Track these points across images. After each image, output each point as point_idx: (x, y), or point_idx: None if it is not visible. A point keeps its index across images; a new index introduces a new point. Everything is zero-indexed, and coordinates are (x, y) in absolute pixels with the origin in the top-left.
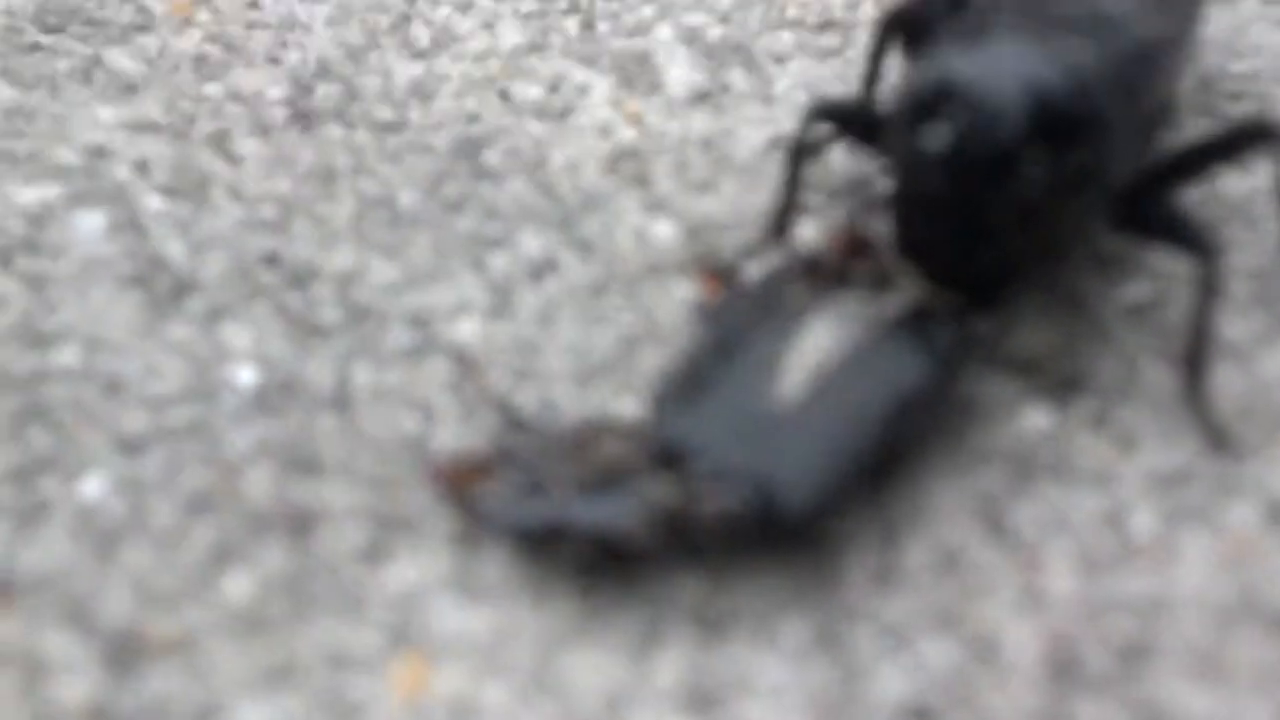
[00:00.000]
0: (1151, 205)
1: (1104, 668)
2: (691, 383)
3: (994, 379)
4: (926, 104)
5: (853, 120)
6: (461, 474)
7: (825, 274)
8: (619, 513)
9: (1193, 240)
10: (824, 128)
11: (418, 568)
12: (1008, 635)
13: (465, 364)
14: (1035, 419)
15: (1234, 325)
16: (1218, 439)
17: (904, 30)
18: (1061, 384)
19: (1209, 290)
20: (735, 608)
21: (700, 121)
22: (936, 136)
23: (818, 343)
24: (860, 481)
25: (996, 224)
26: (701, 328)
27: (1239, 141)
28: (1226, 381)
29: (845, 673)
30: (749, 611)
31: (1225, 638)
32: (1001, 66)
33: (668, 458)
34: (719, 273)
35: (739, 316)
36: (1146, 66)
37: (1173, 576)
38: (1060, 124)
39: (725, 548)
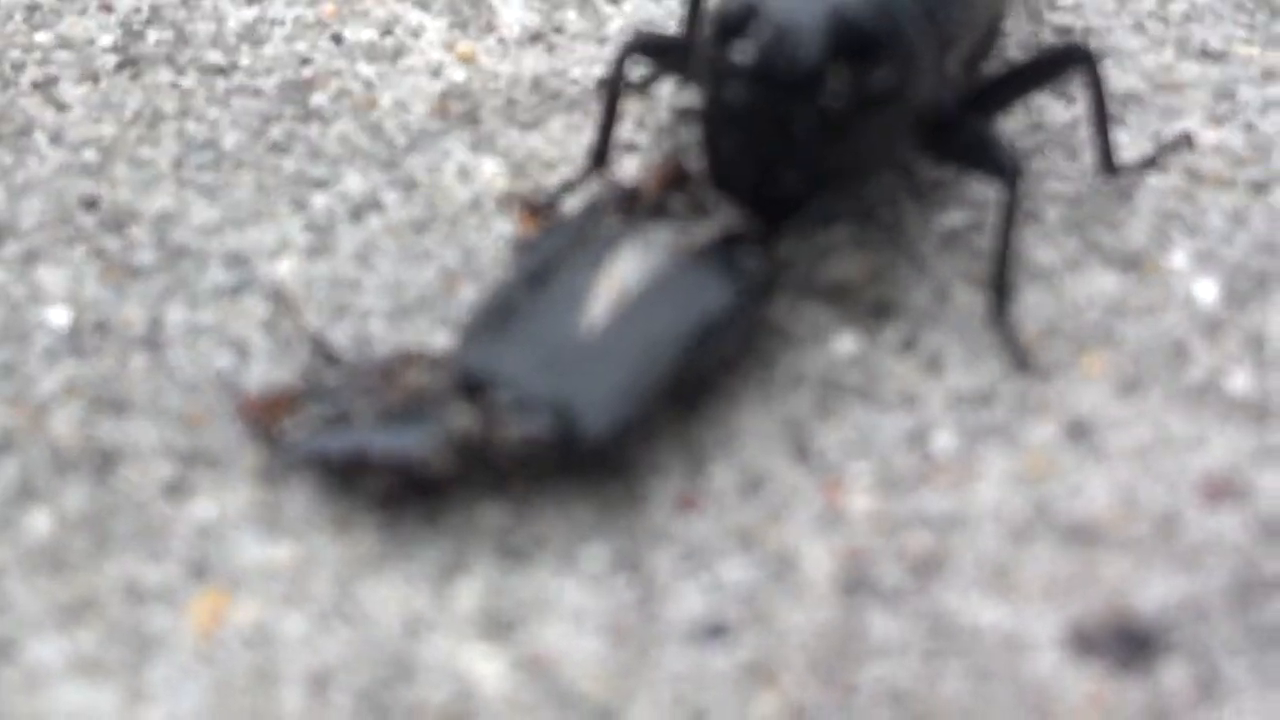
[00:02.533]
0: (960, 130)
1: (897, 582)
2: (500, 314)
3: (805, 305)
4: (732, 23)
5: (669, 53)
6: (268, 407)
7: (641, 206)
8: (419, 440)
9: (994, 163)
10: (645, 63)
11: (220, 502)
12: (805, 554)
13: (281, 300)
14: (844, 344)
15: (1045, 249)
16: (1019, 359)
17: None
18: (872, 310)
19: (1009, 212)
20: (538, 534)
21: (532, 61)
22: (741, 52)
23: (625, 272)
24: (661, 406)
25: (800, 141)
26: (516, 261)
27: (1051, 67)
28: (1035, 304)
29: (644, 594)
30: (552, 538)
31: (1018, 552)
32: None
33: (472, 387)
34: (537, 208)
35: (553, 249)
36: None
37: (970, 493)
38: (862, 42)
39: (528, 474)
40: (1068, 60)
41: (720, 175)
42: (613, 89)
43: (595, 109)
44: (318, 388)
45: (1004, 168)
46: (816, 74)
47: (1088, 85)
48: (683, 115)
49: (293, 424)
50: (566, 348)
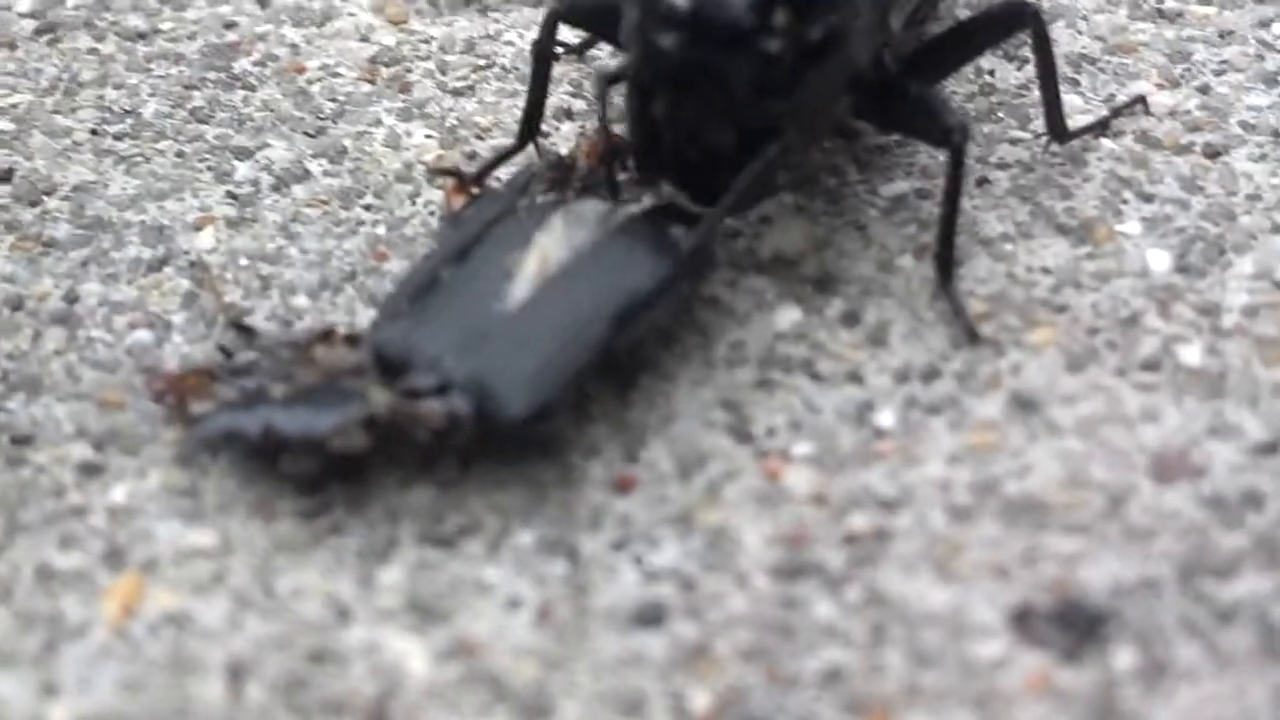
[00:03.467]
0: (903, 94)
1: (839, 564)
2: (420, 290)
3: (746, 278)
4: None
5: (600, 17)
6: (184, 384)
7: (573, 178)
8: (332, 421)
9: (939, 128)
10: (577, 28)
11: (136, 486)
12: (745, 535)
13: (199, 274)
14: (786, 318)
15: (994, 217)
16: (966, 332)
17: None
18: (814, 282)
19: (954, 179)
20: (468, 518)
21: (465, 25)
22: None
23: (550, 247)
24: (586, 384)
25: (737, 95)
26: (440, 235)
27: (997, 27)
28: (984, 274)
29: (577, 579)
30: (482, 521)
31: (963, 531)
32: None
33: (389, 365)
34: (466, 179)
35: (479, 224)
36: None
37: (915, 471)
38: None
39: (448, 455)
40: (1014, 20)
41: (650, 146)
42: (542, 57)
43: (528, 74)
44: (233, 365)
45: (949, 133)
46: (755, 21)
47: (1036, 46)
48: (611, 81)
49: (206, 402)
50: (487, 325)
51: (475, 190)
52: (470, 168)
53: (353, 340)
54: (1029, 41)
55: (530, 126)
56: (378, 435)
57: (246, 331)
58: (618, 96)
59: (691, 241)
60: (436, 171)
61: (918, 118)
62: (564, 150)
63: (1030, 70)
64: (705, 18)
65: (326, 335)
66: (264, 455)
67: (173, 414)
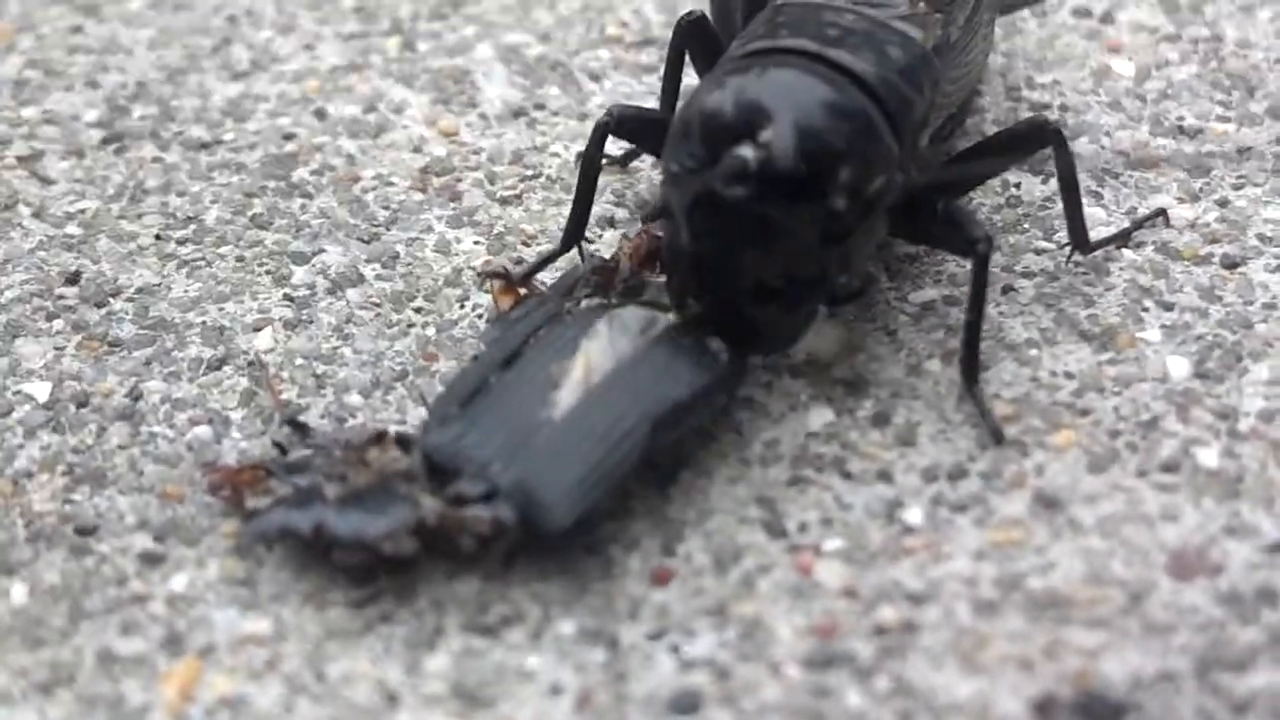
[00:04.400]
0: (930, 209)
1: (868, 655)
2: (467, 395)
3: (779, 380)
4: (717, 132)
5: (647, 131)
6: (241, 479)
7: (617, 282)
8: (381, 524)
9: (965, 240)
10: (623, 141)
11: (195, 575)
12: (778, 626)
13: (257, 373)
14: (818, 418)
15: (1019, 324)
16: (992, 433)
17: (695, 43)
18: (845, 384)
19: (979, 287)
20: (511, 608)
21: (513, 136)
22: (731, 169)
23: (594, 354)
24: (625, 489)
25: (791, 251)
26: (489, 338)
27: (1020, 144)
28: (1009, 378)
29: (615, 666)
30: (524, 611)
31: (988, 625)
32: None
33: (438, 470)
34: (513, 283)
35: (525, 328)
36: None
37: (942, 566)
38: (856, 156)
39: (492, 558)
40: (1037, 138)
41: (688, 279)
42: (589, 167)
43: (574, 184)
44: (288, 462)
45: (975, 244)
46: (821, 177)
47: (1058, 163)
48: (653, 218)
49: (261, 499)
50: (533, 433)
51: (522, 291)
52: (515, 272)
53: (404, 443)
54: (1051, 158)
55: (576, 231)
56: (426, 539)
57: (301, 429)
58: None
59: (730, 355)
60: (485, 275)
61: (944, 230)
62: (606, 255)
63: (1054, 183)
64: (773, 174)
65: (380, 437)
66: (316, 549)
67: (229, 507)
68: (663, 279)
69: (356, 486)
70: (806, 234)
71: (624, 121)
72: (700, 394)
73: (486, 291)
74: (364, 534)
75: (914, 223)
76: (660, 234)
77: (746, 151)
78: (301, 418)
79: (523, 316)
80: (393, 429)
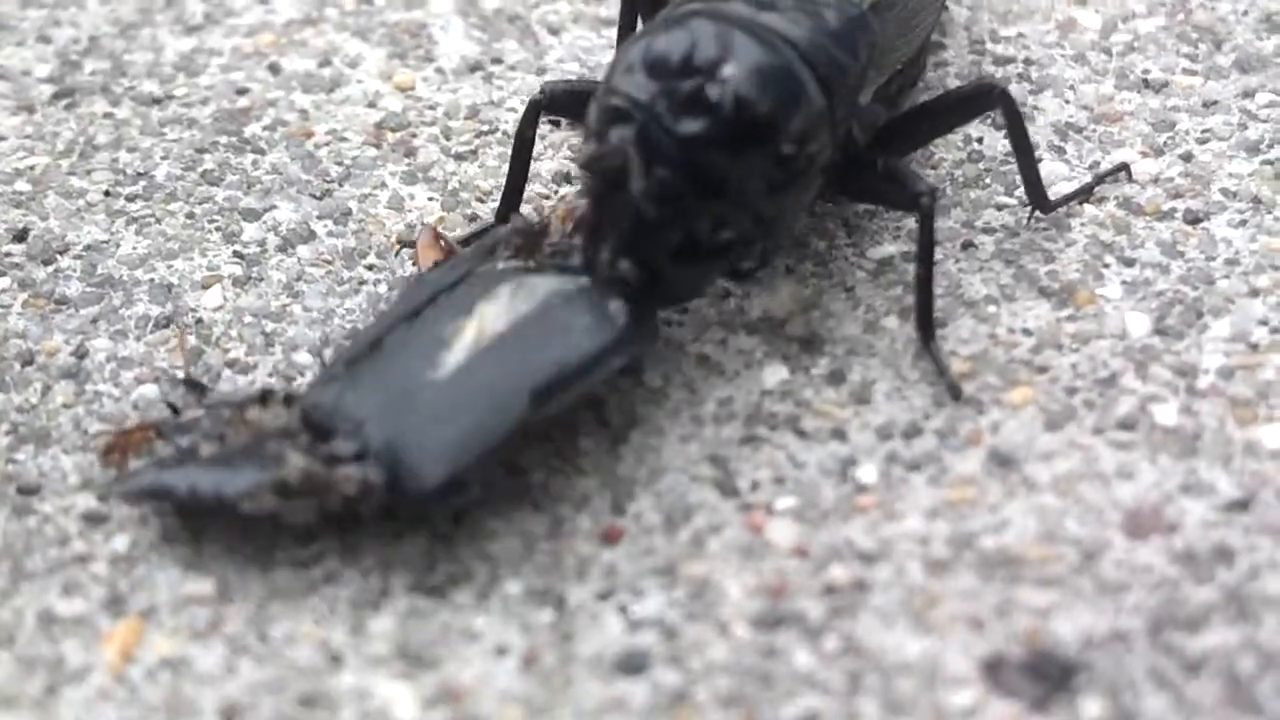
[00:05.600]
0: (870, 166)
1: (818, 615)
2: (360, 352)
3: (736, 338)
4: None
5: (582, 105)
6: (130, 440)
7: (543, 243)
8: (241, 481)
9: (907, 196)
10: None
11: (138, 534)
12: (727, 586)
13: (175, 331)
14: (774, 376)
15: (978, 280)
16: (950, 389)
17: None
18: (802, 342)
19: (926, 244)
20: (458, 568)
21: (470, 91)
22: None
23: (491, 317)
24: (502, 455)
25: (724, 205)
26: (398, 297)
27: (965, 106)
28: (967, 335)
29: (562, 627)
30: (472, 571)
31: (940, 584)
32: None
33: (315, 428)
34: (443, 244)
35: (433, 287)
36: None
37: (895, 525)
38: (770, 112)
39: (359, 518)
40: (984, 100)
41: (610, 227)
42: (521, 145)
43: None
44: (177, 424)
45: (919, 198)
46: (744, 142)
47: (1008, 124)
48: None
49: (142, 460)
50: (412, 392)
51: (448, 255)
52: (440, 235)
53: (290, 402)
54: (1003, 120)
55: (508, 206)
56: (292, 500)
57: (197, 389)
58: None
59: (632, 321)
60: (402, 244)
61: (887, 187)
62: (535, 218)
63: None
64: (705, 116)
65: (265, 396)
66: (189, 513)
67: (114, 466)
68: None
69: (234, 446)
70: (733, 184)
71: (557, 98)
72: (590, 360)
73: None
74: (223, 492)
75: (857, 181)
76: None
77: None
78: (196, 379)
79: (434, 276)
80: (281, 387)
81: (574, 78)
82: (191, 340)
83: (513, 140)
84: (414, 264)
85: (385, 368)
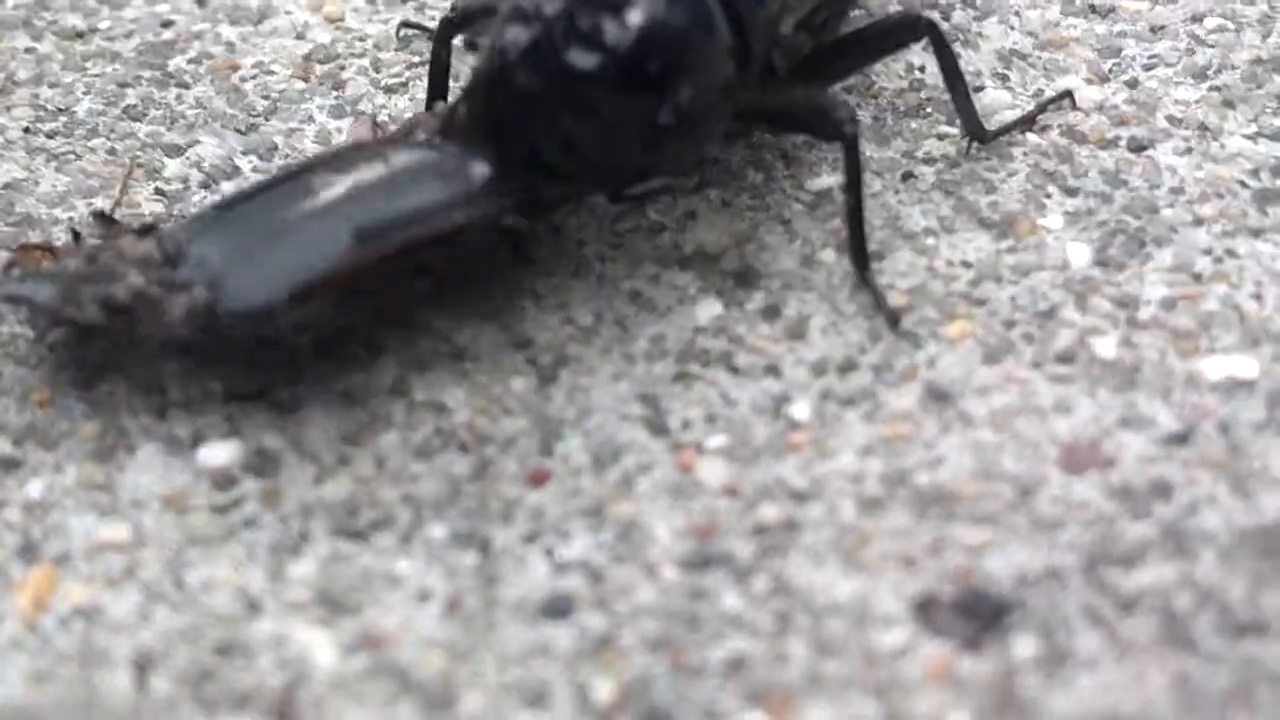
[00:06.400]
0: (790, 95)
1: (747, 555)
2: (236, 200)
3: (669, 273)
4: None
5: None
6: (23, 254)
7: (454, 129)
8: (65, 294)
9: (829, 125)
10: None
11: (52, 480)
12: (655, 527)
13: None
14: (706, 311)
15: (917, 212)
16: (887, 319)
17: None
18: (737, 276)
19: (852, 174)
20: (381, 512)
21: (401, 21)
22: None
23: (364, 175)
24: (314, 294)
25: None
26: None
27: (892, 37)
28: (905, 268)
29: (487, 571)
30: (395, 515)
31: (872, 522)
32: None
33: (170, 259)
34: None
35: (329, 154)
36: None
37: (828, 463)
38: (665, 49)
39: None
40: (909, 32)
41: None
42: (437, 64)
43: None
44: (66, 246)
45: (840, 125)
46: (639, 71)
47: (938, 57)
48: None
49: (20, 270)
50: (262, 230)
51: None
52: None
53: (158, 237)
54: (931, 51)
55: None
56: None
57: (104, 220)
58: None
59: (480, 194)
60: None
61: (807, 116)
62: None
63: (961, 63)
64: (597, 45)
65: (145, 230)
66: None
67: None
68: None
69: (92, 267)
70: (605, 122)
71: (469, 15)
72: (423, 209)
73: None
74: (53, 301)
75: (775, 112)
76: None
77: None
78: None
79: (331, 150)
80: (162, 225)
81: None
82: (134, 179)
83: (430, 61)
84: None
85: (247, 211)
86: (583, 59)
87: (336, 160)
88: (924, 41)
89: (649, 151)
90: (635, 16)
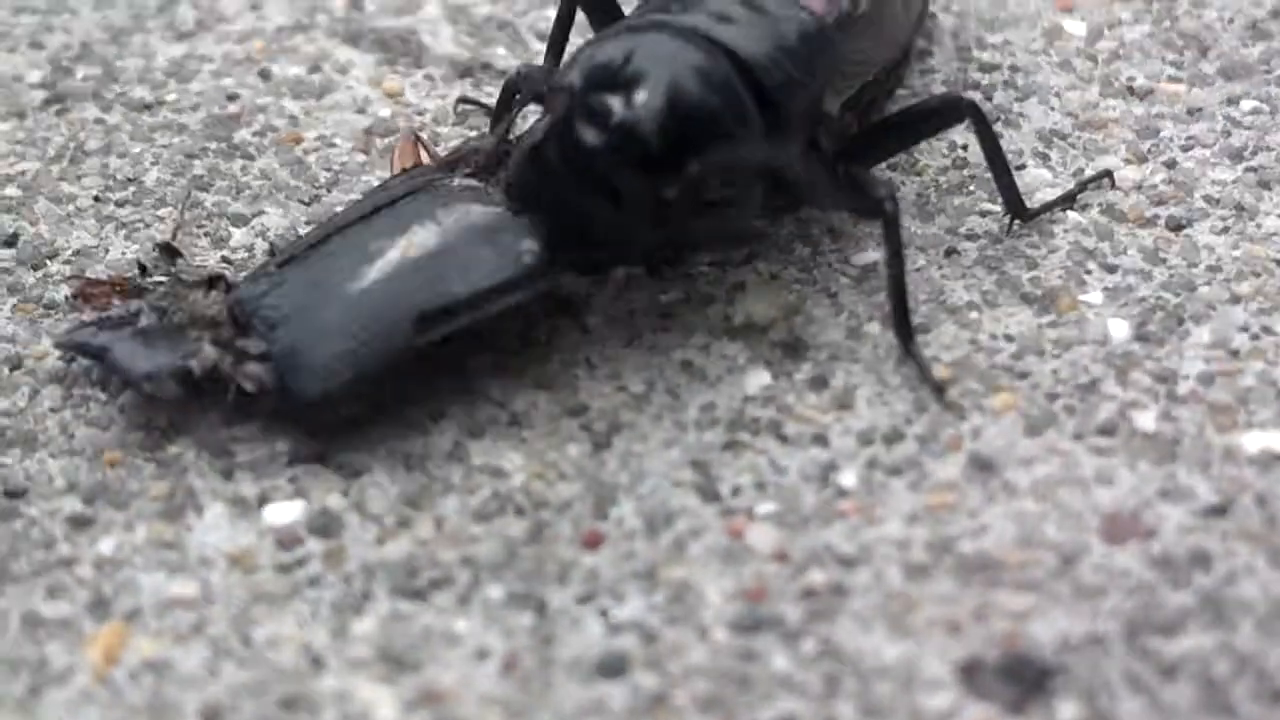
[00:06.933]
0: (833, 175)
1: (796, 618)
2: (297, 253)
3: (719, 344)
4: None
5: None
6: (92, 291)
7: (499, 168)
8: (151, 362)
9: (870, 204)
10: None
11: (123, 538)
12: (707, 589)
13: (176, 214)
14: (755, 381)
15: (960, 286)
16: (931, 390)
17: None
18: (785, 347)
19: (894, 250)
20: (441, 573)
21: (459, 96)
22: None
23: (419, 237)
24: (388, 373)
25: (634, 220)
26: (352, 203)
27: (933, 119)
28: (949, 341)
29: (543, 631)
30: (453, 575)
31: (919, 588)
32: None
33: (239, 322)
34: (421, 151)
35: (386, 196)
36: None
37: (874, 530)
38: (701, 136)
39: (249, 415)
40: (952, 114)
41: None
42: (494, 125)
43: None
44: (138, 284)
45: (880, 203)
46: (663, 158)
47: (980, 137)
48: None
49: (91, 314)
50: (326, 301)
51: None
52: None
53: (230, 291)
54: (971, 131)
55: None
56: (199, 385)
57: (169, 252)
58: None
59: (534, 262)
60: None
61: (849, 195)
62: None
63: (1002, 142)
64: (623, 132)
65: (213, 281)
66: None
67: (78, 309)
68: None
69: (166, 323)
70: (633, 207)
71: (529, 79)
72: (486, 292)
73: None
74: (133, 369)
75: (818, 190)
76: None
77: (592, 112)
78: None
79: (392, 184)
80: (231, 275)
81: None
82: (186, 215)
83: (491, 122)
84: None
85: (313, 272)
86: (600, 138)
87: (392, 214)
88: (966, 122)
89: (678, 229)
90: (655, 100)
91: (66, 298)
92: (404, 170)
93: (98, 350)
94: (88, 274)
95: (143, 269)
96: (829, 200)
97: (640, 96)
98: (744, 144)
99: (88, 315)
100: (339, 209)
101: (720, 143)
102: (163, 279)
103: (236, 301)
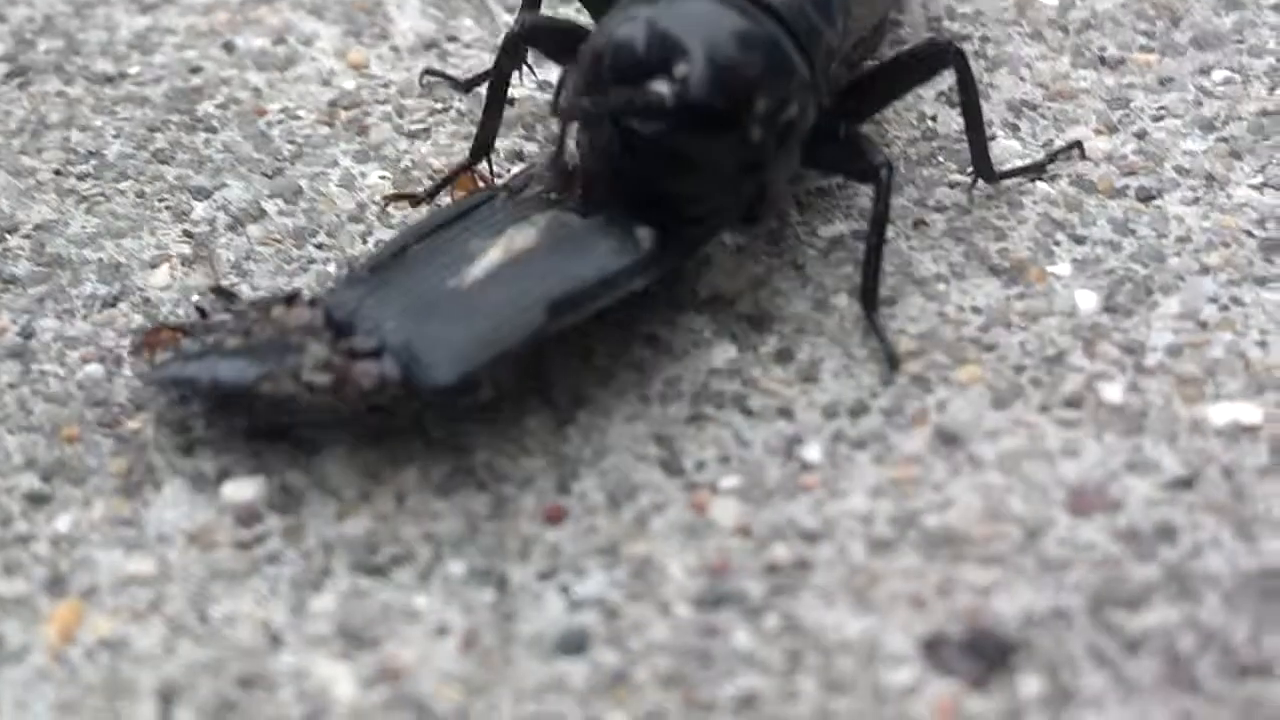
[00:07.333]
0: (832, 134)
1: (759, 594)
2: (385, 259)
3: (685, 317)
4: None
5: (561, 42)
6: (157, 338)
7: (574, 184)
8: (262, 367)
9: (865, 166)
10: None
11: (80, 515)
12: (669, 565)
13: (203, 250)
14: (722, 355)
15: (928, 258)
16: (887, 359)
17: None
18: (751, 320)
19: (880, 215)
20: (401, 549)
21: (425, 69)
22: (650, 92)
23: (519, 239)
24: (507, 364)
25: (714, 177)
26: (429, 214)
27: (921, 65)
28: (916, 313)
29: (504, 607)
30: (414, 551)
31: (882, 562)
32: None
33: (337, 326)
34: (419, 199)
35: (463, 207)
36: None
37: (838, 504)
38: (774, 81)
39: (377, 419)
40: (938, 60)
41: (607, 181)
42: (500, 80)
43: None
44: (205, 325)
45: (876, 169)
46: (736, 111)
47: (960, 86)
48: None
49: (165, 355)
50: (434, 298)
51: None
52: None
53: (315, 304)
54: (954, 80)
55: (484, 144)
56: (313, 390)
57: (226, 295)
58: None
59: (646, 254)
60: (391, 198)
61: (846, 156)
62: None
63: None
64: (689, 109)
65: (291, 299)
66: (214, 404)
67: (143, 360)
68: None
69: (257, 341)
70: (723, 165)
71: (536, 31)
72: (609, 279)
73: (388, 229)
74: (244, 377)
75: (816, 150)
76: None
77: (661, 88)
78: (228, 289)
79: (466, 201)
80: (306, 291)
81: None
82: (216, 265)
83: (490, 78)
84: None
85: (407, 274)
86: (675, 105)
87: (476, 221)
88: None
89: (768, 169)
90: (712, 50)
91: (130, 351)
92: (465, 196)
93: (197, 378)
94: (148, 324)
95: (202, 312)
96: (828, 160)
97: (695, 51)
98: (793, 80)
99: (159, 359)
100: (409, 222)
101: (779, 78)
102: (224, 318)
103: (334, 306)
